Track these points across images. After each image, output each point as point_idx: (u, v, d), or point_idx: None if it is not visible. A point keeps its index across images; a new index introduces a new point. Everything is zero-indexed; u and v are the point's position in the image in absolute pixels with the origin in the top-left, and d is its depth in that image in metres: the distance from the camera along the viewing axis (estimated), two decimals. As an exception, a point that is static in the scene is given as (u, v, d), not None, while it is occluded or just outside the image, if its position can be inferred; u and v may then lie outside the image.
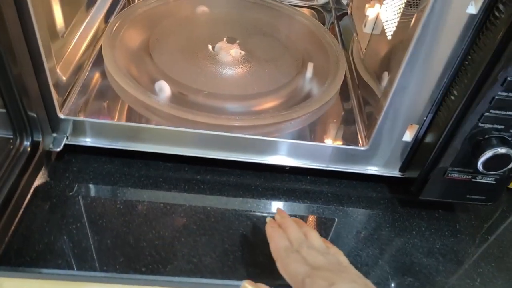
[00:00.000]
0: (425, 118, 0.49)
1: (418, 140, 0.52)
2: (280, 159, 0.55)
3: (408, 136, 0.52)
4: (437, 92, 0.47)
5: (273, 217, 0.47)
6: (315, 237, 0.44)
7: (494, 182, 0.50)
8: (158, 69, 0.59)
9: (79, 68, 0.57)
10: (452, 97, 0.45)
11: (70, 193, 0.52)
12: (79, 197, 0.52)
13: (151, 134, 0.54)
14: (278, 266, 0.41)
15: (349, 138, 0.56)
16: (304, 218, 0.54)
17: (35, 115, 0.46)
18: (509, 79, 0.39)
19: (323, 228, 0.53)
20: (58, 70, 0.50)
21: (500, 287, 0.50)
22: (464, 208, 0.59)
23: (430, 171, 0.50)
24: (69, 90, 0.54)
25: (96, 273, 0.45)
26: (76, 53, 0.57)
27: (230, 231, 0.51)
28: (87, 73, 0.58)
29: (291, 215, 0.53)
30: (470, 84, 0.42)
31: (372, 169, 0.56)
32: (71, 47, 0.56)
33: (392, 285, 0.49)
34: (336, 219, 0.55)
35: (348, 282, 0.37)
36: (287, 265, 0.40)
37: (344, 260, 0.42)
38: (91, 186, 0.53)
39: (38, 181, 0.52)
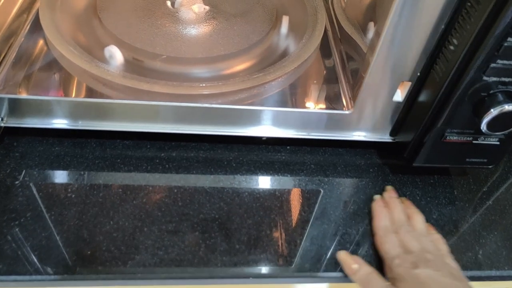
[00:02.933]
0: (418, 74, 0.42)
1: (410, 100, 0.45)
2: (255, 129, 0.48)
3: (399, 96, 0.45)
4: (432, 42, 0.40)
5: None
6: (418, 221, 0.44)
7: (497, 143, 0.43)
8: (108, 32, 0.50)
9: (10, 36, 0.48)
10: (451, 47, 0.38)
11: (12, 184, 0.45)
12: (23, 187, 0.45)
13: (104, 110, 0.46)
14: (375, 241, 0.43)
15: (332, 101, 0.48)
16: (284, 194, 0.48)
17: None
18: (522, 20, 0.32)
19: (307, 204, 0.47)
20: (-21, 39, 0.41)
21: (505, 258, 0.45)
22: (461, 171, 0.53)
23: (425, 134, 0.44)
24: (-1, 61, 0.45)
25: (44, 276, 0.39)
26: (5, 18, 0.48)
27: (200, 216, 0.44)
28: (22, 41, 0.49)
29: (270, 190, 0.47)
30: (474, 30, 0.35)
31: (359, 135, 0.50)
32: (-4, 10, 0.46)
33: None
34: (322, 192, 0.49)
35: (432, 268, 0.37)
36: (382, 243, 0.42)
37: (443, 248, 0.43)
38: (36, 173, 0.46)
39: (-27, 172, 0.45)
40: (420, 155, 0.45)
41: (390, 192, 0.48)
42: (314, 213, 0.47)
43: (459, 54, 0.37)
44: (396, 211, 0.45)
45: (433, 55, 0.40)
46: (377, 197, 0.47)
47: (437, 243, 0.43)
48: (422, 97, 0.43)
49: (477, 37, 0.35)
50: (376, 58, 0.41)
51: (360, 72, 0.44)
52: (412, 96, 0.44)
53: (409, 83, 0.44)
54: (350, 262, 0.42)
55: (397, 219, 0.44)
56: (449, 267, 0.39)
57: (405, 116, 0.46)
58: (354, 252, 0.44)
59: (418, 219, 0.45)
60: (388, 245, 0.41)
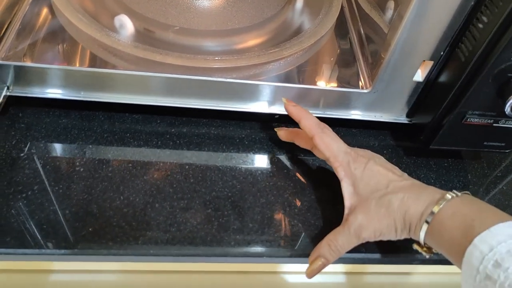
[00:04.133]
0: (442, 53, 0.41)
1: (431, 80, 0.44)
2: (268, 106, 0.47)
3: (419, 76, 0.44)
4: (459, 19, 0.38)
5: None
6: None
7: (518, 126, 0.43)
8: (118, 1, 0.48)
9: (15, 2, 0.46)
10: (480, 25, 0.37)
11: (18, 155, 0.43)
12: (30, 159, 0.43)
13: (113, 81, 0.44)
14: (314, 141, 0.41)
15: (349, 80, 0.47)
16: (299, 173, 0.47)
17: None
18: (560, -3, 0.31)
19: (321, 184, 0.46)
20: (-15, 3, 0.39)
21: (519, 243, 0.44)
22: (475, 155, 0.52)
23: (445, 116, 0.43)
24: (3, 29, 0.43)
25: (53, 250, 0.38)
26: (11, -18, 0.45)
27: (212, 193, 0.43)
28: (28, 8, 0.47)
29: (283, 169, 0.46)
30: (506, 7, 0.34)
31: (376, 115, 0.48)
32: (2, -27, 0.44)
33: (401, 246, 0.43)
34: (333, 171, 0.48)
35: (377, 159, 0.40)
36: (327, 140, 0.40)
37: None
38: (43, 145, 0.44)
39: (-23, 142, 0.43)
40: (438, 137, 0.44)
41: (290, 102, 0.43)
42: (326, 193, 0.46)
43: (489, 33, 0.36)
44: (308, 117, 0.42)
45: (459, 34, 0.39)
46: (284, 99, 0.43)
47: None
48: (444, 78, 0.42)
49: (509, 15, 0.34)
50: (398, 37, 0.40)
51: (380, 52, 0.43)
52: (433, 76, 0.43)
53: (431, 63, 0.42)
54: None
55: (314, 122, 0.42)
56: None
57: (424, 97, 0.45)
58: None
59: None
60: (332, 140, 0.40)
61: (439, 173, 0.50)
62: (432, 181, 0.49)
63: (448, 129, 0.43)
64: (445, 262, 0.42)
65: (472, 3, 0.37)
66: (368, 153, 0.41)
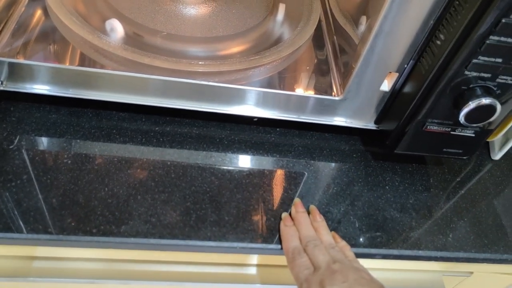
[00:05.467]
0: (405, 66, 0.45)
1: (396, 90, 0.48)
2: (247, 109, 0.51)
3: (386, 86, 0.48)
4: (421, 36, 0.42)
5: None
6: (324, 233, 0.45)
7: (473, 135, 0.47)
8: (109, 6, 0.52)
9: (12, 3, 0.49)
10: (438, 42, 0.41)
11: (9, 147, 0.46)
12: (20, 151, 0.46)
13: (102, 80, 0.47)
14: (288, 265, 0.42)
15: (323, 87, 0.51)
16: (273, 173, 0.50)
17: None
18: (503, 21, 0.35)
19: (293, 184, 0.50)
20: (-16, 2, 0.42)
21: (472, 242, 0.48)
22: (437, 161, 0.57)
23: (408, 124, 0.47)
24: (1, 27, 0.46)
25: (40, 235, 0.40)
26: (8, -17, 0.48)
27: (192, 188, 0.46)
28: (24, 9, 0.50)
29: (259, 170, 0.49)
30: (460, 27, 0.38)
31: (346, 121, 0.52)
32: (1, -25, 0.47)
33: (364, 242, 0.46)
34: (307, 174, 0.51)
35: (339, 283, 0.38)
36: (292, 269, 0.42)
37: (350, 254, 0.43)
38: (33, 138, 0.47)
39: (-31, 133, 0.46)
40: (402, 143, 0.48)
41: (297, 207, 0.47)
42: (299, 192, 0.49)
43: (445, 49, 0.40)
44: (303, 227, 0.44)
45: (421, 49, 0.43)
46: (284, 215, 0.46)
47: (344, 250, 0.44)
48: (407, 88, 0.46)
49: (463, 34, 0.38)
50: (367, 49, 0.44)
51: (351, 62, 0.47)
52: (398, 86, 0.47)
53: (396, 74, 0.46)
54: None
55: (305, 236, 0.43)
56: (357, 271, 0.39)
57: (390, 106, 0.49)
58: (335, 229, 0.46)
59: (324, 230, 0.45)
60: (297, 269, 0.41)
61: (404, 176, 0.54)
62: (397, 183, 0.53)
63: (411, 135, 0.47)
64: (406, 257, 0.46)
65: (432, 22, 0.41)
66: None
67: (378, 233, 0.47)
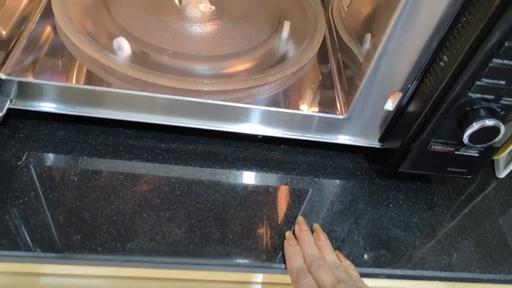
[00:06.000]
0: (409, 86, 0.46)
1: (400, 109, 0.48)
2: (252, 127, 0.51)
3: (390, 105, 0.48)
4: (424, 57, 0.43)
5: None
6: (328, 252, 0.45)
7: (477, 155, 0.47)
8: (117, 25, 0.52)
9: (23, 20, 0.50)
10: (442, 64, 0.41)
11: (17, 163, 0.46)
12: (27, 167, 0.46)
13: (109, 99, 0.48)
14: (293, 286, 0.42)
15: (327, 106, 0.51)
16: (277, 190, 0.50)
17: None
18: (506, 45, 0.36)
19: (297, 201, 0.50)
20: (-5, 22, 0.43)
21: (477, 262, 0.48)
22: (442, 180, 0.57)
23: (412, 143, 0.47)
24: (11, 46, 0.47)
25: (46, 253, 0.41)
26: (19, 3, 0.49)
27: (197, 205, 0.47)
28: (34, 26, 0.51)
29: (263, 187, 0.49)
30: (463, 50, 0.38)
31: (350, 139, 0.53)
32: (12, -5, 0.48)
33: (368, 261, 0.46)
34: (311, 191, 0.52)
35: None
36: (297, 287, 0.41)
37: (354, 274, 0.43)
38: (41, 155, 0.48)
39: (-21, 150, 0.46)
40: (406, 162, 0.48)
41: (300, 225, 0.47)
42: (303, 209, 0.49)
43: (448, 71, 0.40)
44: (307, 246, 0.44)
45: (425, 69, 0.44)
46: (288, 234, 0.46)
47: (348, 269, 0.44)
48: (411, 108, 0.47)
49: (466, 56, 0.39)
50: (371, 68, 0.44)
51: (355, 81, 0.47)
52: (402, 106, 0.48)
53: (400, 94, 0.47)
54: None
55: (308, 255, 0.43)
56: None
57: (394, 124, 0.50)
58: (338, 248, 0.46)
59: (328, 250, 0.45)
60: None
61: (408, 195, 0.54)
62: (401, 202, 0.53)
63: (415, 154, 0.47)
64: (409, 277, 0.46)
65: (436, 43, 0.42)
66: None
67: (382, 252, 0.47)
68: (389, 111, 0.49)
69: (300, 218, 0.48)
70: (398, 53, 0.43)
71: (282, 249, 0.45)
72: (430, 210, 0.53)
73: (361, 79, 0.46)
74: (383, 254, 0.47)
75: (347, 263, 0.45)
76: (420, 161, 0.48)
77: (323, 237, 0.46)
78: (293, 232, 0.47)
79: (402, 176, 0.55)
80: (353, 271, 0.44)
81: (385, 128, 0.51)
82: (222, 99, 0.49)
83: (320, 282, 0.40)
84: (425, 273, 0.46)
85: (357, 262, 0.46)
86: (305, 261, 0.43)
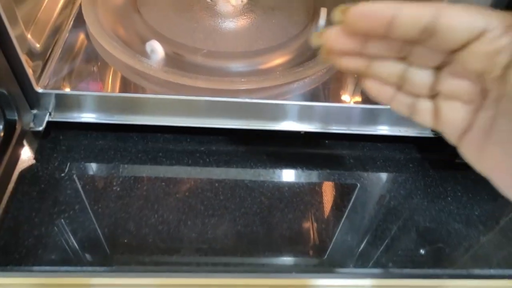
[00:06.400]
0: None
1: (455, 95, 0.44)
2: (293, 124, 0.49)
3: (443, 91, 0.44)
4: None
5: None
6: None
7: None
8: (148, 27, 0.51)
9: (56, 31, 0.49)
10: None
11: (60, 176, 0.46)
12: (71, 179, 0.46)
13: (146, 104, 0.47)
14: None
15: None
16: (324, 189, 0.48)
17: (5, 92, 0.39)
18: None
19: (346, 199, 0.47)
20: (29, 36, 0.43)
21: (551, 257, 0.44)
22: (504, 167, 0.52)
23: (470, 131, 0.43)
24: (46, 58, 0.46)
25: (93, 268, 0.40)
26: (51, 14, 0.49)
27: (242, 210, 0.45)
28: (67, 36, 0.50)
29: (309, 184, 0.47)
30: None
31: (400, 130, 0.49)
32: (43, 7, 0.47)
33: (428, 260, 0.43)
34: (360, 187, 0.49)
35: None
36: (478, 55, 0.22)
37: None
38: (83, 166, 0.47)
39: (23, 165, 0.47)
40: (464, 151, 0.44)
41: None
42: (354, 208, 0.47)
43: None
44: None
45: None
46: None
47: None
48: (468, 93, 0.42)
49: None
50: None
51: (404, 67, 0.44)
52: (457, 91, 0.44)
53: (455, 78, 0.43)
54: None
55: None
56: None
57: (448, 111, 0.46)
58: (395, 249, 0.44)
59: None
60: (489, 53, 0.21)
61: (467, 185, 0.50)
62: (460, 194, 0.49)
63: (474, 143, 0.43)
64: (476, 277, 0.42)
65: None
66: None
67: (443, 249, 0.44)
68: (443, 98, 0.45)
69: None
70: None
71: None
72: (492, 201, 0.48)
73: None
74: (444, 252, 0.44)
75: None
76: (481, 150, 0.44)
77: None
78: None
79: (459, 166, 0.51)
80: None
81: (439, 115, 0.47)
82: (260, 96, 0.46)
83: None
84: (493, 272, 0.43)
85: (415, 262, 0.43)
86: None
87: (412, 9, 0.22)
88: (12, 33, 0.38)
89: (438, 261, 0.43)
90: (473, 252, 0.44)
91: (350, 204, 0.47)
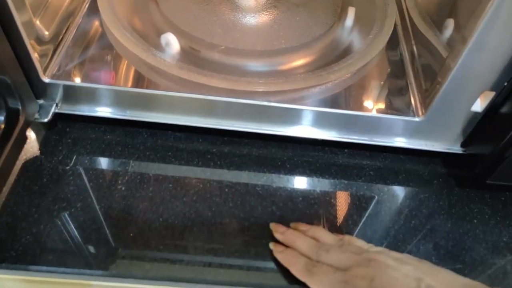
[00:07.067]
0: (505, 84, 0.38)
1: (492, 111, 0.40)
2: (312, 131, 0.46)
3: (478, 106, 0.41)
4: (528, 49, 0.35)
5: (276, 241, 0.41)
6: (323, 235, 0.39)
7: None
8: (165, 18, 0.48)
9: (67, 18, 0.47)
10: (552, 58, 0.33)
11: (63, 171, 0.44)
12: (74, 175, 0.44)
13: (159, 101, 0.44)
14: (310, 285, 0.36)
15: (400, 106, 0.45)
16: (340, 201, 0.45)
17: (7, 79, 0.36)
18: None
19: (363, 215, 0.44)
20: (37, 23, 0.40)
21: None
22: (537, 190, 0.48)
23: (506, 150, 0.39)
24: (55, 47, 0.44)
25: (92, 271, 0.38)
26: (63, 0, 0.46)
27: (251, 220, 0.42)
28: (79, 24, 0.48)
29: (324, 195, 0.44)
30: None
31: (427, 144, 0.46)
32: (55, -8, 0.45)
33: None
34: (379, 203, 0.45)
35: (383, 269, 0.34)
36: (318, 281, 0.35)
37: (362, 243, 0.39)
38: (88, 161, 0.45)
39: (26, 156, 0.45)
40: (497, 172, 0.41)
41: (277, 229, 0.41)
42: (370, 224, 0.43)
43: (562, 67, 0.32)
44: (300, 242, 0.38)
45: (527, 65, 0.36)
46: (271, 245, 0.40)
47: (354, 242, 0.38)
48: (507, 109, 0.39)
49: None
50: (459, 64, 0.37)
51: (437, 78, 0.40)
52: (494, 107, 0.40)
53: (493, 93, 0.39)
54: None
55: (307, 248, 0.38)
56: (388, 252, 0.36)
57: (482, 128, 0.42)
58: (414, 272, 0.40)
59: (322, 233, 0.39)
60: (324, 276, 0.35)
61: (495, 207, 0.46)
62: (487, 216, 0.45)
63: (509, 164, 0.40)
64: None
65: (544, 32, 0.34)
66: (371, 270, 0.34)
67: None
68: (477, 113, 0.41)
69: (272, 225, 0.41)
70: (493, 45, 0.35)
71: (279, 265, 0.39)
72: (523, 227, 0.45)
73: (444, 76, 0.39)
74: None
75: (347, 237, 0.40)
76: (515, 172, 0.41)
77: (306, 227, 0.41)
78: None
79: (489, 187, 0.47)
80: (358, 240, 0.39)
81: (470, 131, 0.43)
82: (279, 99, 0.43)
83: (339, 264, 0.35)
84: (520, 306, 0.39)
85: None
86: (307, 256, 0.37)
87: None
88: (18, 19, 0.35)
89: (460, 289, 0.40)
90: (498, 283, 0.40)
91: (366, 219, 0.44)
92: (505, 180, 0.42)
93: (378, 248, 0.37)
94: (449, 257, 0.42)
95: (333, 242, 0.38)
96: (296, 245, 0.39)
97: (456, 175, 0.48)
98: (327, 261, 0.36)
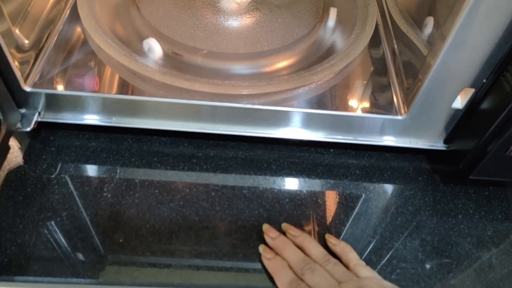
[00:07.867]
0: (484, 81, 0.38)
1: (472, 107, 0.41)
2: (297, 132, 0.46)
3: (459, 103, 0.41)
4: (504, 47, 0.36)
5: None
6: (312, 247, 0.40)
7: None
8: (146, 23, 0.48)
9: (47, 26, 0.46)
10: (528, 54, 0.34)
11: (48, 180, 0.44)
12: (59, 184, 0.43)
13: (142, 107, 0.44)
14: None
15: (383, 105, 0.45)
16: (326, 201, 0.45)
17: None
18: None
19: (350, 214, 0.44)
20: (17, 32, 0.40)
21: None
22: (520, 183, 0.49)
23: (487, 146, 0.40)
24: (36, 55, 0.44)
25: (79, 279, 0.38)
26: (43, 8, 0.46)
27: (239, 223, 0.42)
28: (60, 32, 0.47)
29: (311, 196, 0.44)
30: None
31: (410, 141, 0.46)
32: (33, 1, 0.44)
33: (436, 284, 0.40)
34: (365, 201, 0.46)
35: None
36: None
37: (353, 256, 0.39)
38: (72, 169, 0.45)
39: (9, 166, 0.44)
40: (479, 168, 0.41)
41: (269, 233, 0.41)
42: (357, 222, 0.44)
43: (538, 63, 0.33)
44: (288, 253, 0.39)
45: (505, 62, 0.36)
46: (262, 248, 0.40)
47: (345, 251, 0.40)
48: (487, 106, 0.39)
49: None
50: (438, 62, 0.37)
51: (418, 76, 0.41)
52: (474, 103, 0.41)
53: (472, 90, 0.40)
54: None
55: (295, 262, 0.38)
56: (369, 281, 0.36)
57: (463, 124, 0.43)
58: (403, 269, 0.41)
59: (310, 244, 0.40)
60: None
61: (479, 202, 0.47)
62: (471, 211, 0.46)
63: (490, 159, 0.40)
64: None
65: (519, 29, 0.34)
66: None
67: (452, 273, 0.41)
68: (458, 110, 0.42)
69: (265, 226, 0.42)
70: (471, 43, 0.36)
71: (264, 267, 0.40)
72: (507, 221, 0.45)
73: (425, 74, 0.39)
74: (453, 275, 0.41)
75: (341, 244, 0.40)
76: (497, 167, 0.41)
77: (296, 232, 0.41)
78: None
79: (472, 181, 0.48)
80: (351, 252, 0.40)
81: (452, 128, 0.44)
82: (263, 102, 0.44)
83: (322, 283, 0.36)
84: (505, 299, 0.40)
85: (420, 283, 0.40)
86: (293, 269, 0.38)
87: None
88: (-4, 29, 0.35)
89: (445, 284, 0.40)
90: (484, 276, 0.41)
91: (354, 220, 0.44)
92: (487, 175, 0.42)
93: (368, 273, 0.38)
94: (435, 252, 0.42)
95: (320, 257, 0.39)
96: (284, 254, 0.39)
97: (440, 171, 0.49)
98: (311, 282, 0.36)
